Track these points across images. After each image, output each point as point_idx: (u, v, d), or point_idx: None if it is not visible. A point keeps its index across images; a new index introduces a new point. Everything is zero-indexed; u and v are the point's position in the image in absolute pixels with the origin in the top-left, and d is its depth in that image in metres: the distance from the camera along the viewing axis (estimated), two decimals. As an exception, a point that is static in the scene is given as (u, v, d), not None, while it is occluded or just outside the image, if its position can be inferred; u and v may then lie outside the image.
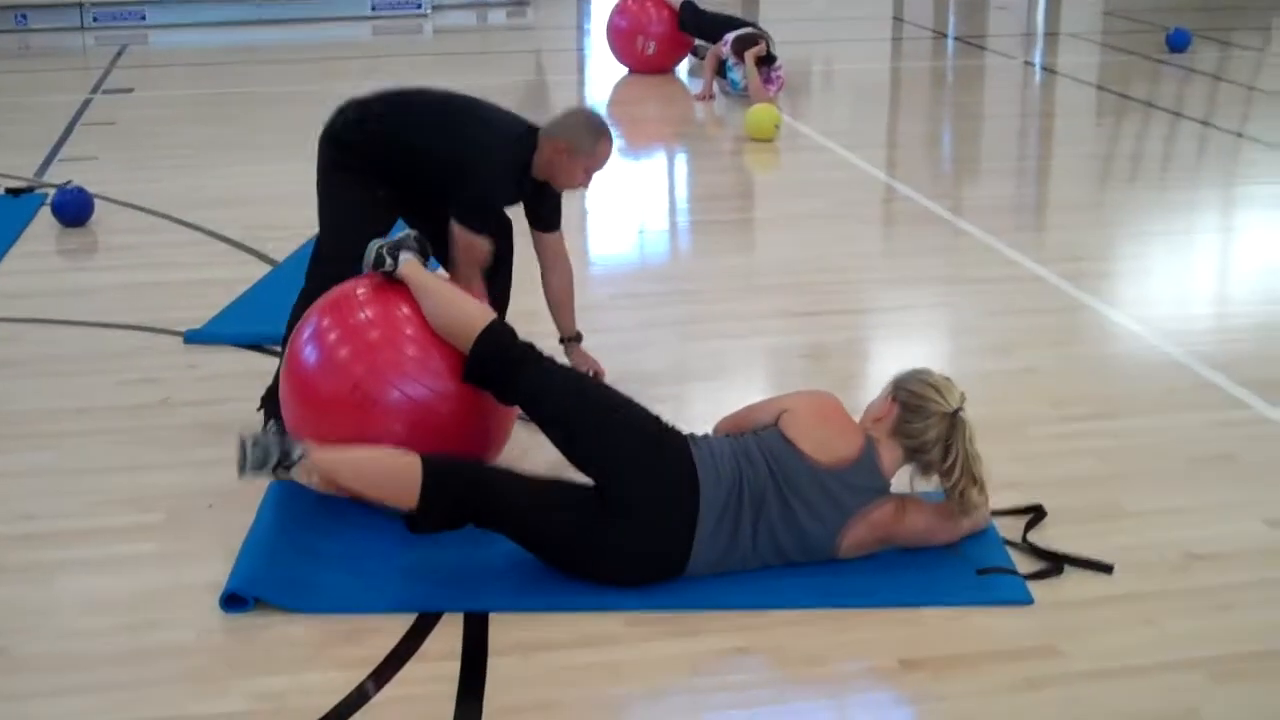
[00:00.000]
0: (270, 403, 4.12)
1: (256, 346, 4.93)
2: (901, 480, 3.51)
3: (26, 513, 3.87)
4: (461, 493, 3.38)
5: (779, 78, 9.17)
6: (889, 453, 3.47)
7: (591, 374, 4.35)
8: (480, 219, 4.24)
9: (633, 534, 3.34)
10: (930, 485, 3.52)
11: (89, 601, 3.44)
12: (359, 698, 3.03)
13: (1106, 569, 3.50)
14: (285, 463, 3.46)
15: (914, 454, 3.47)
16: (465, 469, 3.43)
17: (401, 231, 3.86)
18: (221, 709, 3.01)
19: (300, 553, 3.52)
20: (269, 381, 4.17)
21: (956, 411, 3.43)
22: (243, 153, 8.03)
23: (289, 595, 3.35)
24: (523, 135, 4.28)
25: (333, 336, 3.71)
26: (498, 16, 13.66)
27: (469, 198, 4.23)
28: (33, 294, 5.59)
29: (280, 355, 4.03)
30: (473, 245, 4.22)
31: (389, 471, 3.41)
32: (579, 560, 3.40)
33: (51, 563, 3.62)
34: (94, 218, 6.53)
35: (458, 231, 4.22)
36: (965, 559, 3.51)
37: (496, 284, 4.48)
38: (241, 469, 3.46)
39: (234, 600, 3.34)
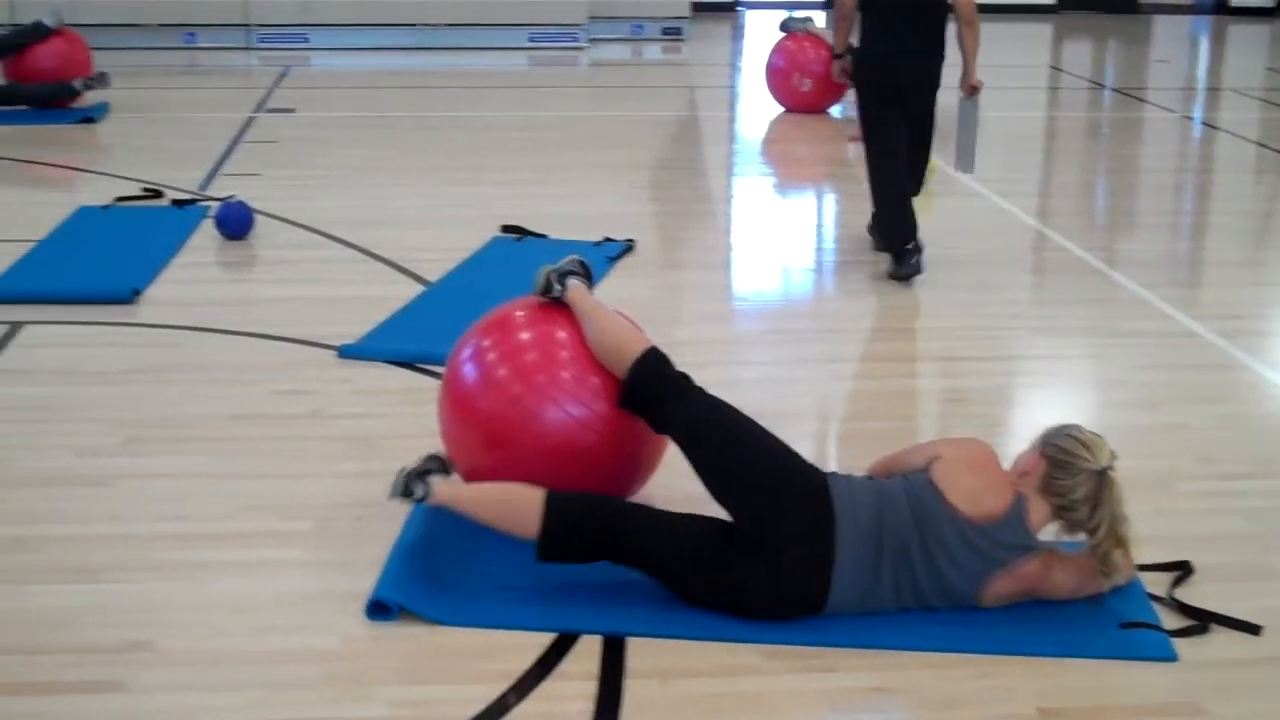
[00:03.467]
0: None
1: (408, 364, 5.01)
2: (1048, 532, 3.46)
3: (179, 513, 3.97)
4: (585, 528, 3.42)
5: (932, 122, 9.12)
6: (1037, 509, 3.41)
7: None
8: None
9: (767, 570, 3.34)
10: (1077, 539, 3.47)
11: (236, 602, 3.51)
12: (498, 710, 3.06)
13: (1254, 630, 3.42)
14: (414, 497, 3.59)
15: (1061, 511, 3.42)
16: (589, 504, 3.47)
17: (567, 256, 3.91)
18: (361, 714, 3.06)
19: (446, 566, 3.58)
20: (421, 398, 4.22)
21: (1105, 470, 3.37)
22: (398, 175, 8.18)
23: (433, 607, 3.40)
24: None
25: (492, 356, 3.77)
26: (653, 51, 13.77)
27: None
28: (193, 303, 5.74)
29: None
30: None
31: (511, 504, 3.48)
32: (715, 596, 3.40)
33: (201, 563, 3.71)
34: (254, 232, 6.69)
35: None
36: (1109, 612, 3.45)
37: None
38: (391, 493, 3.62)
39: (379, 608, 3.40)
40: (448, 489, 3.60)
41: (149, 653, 3.29)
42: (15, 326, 5.40)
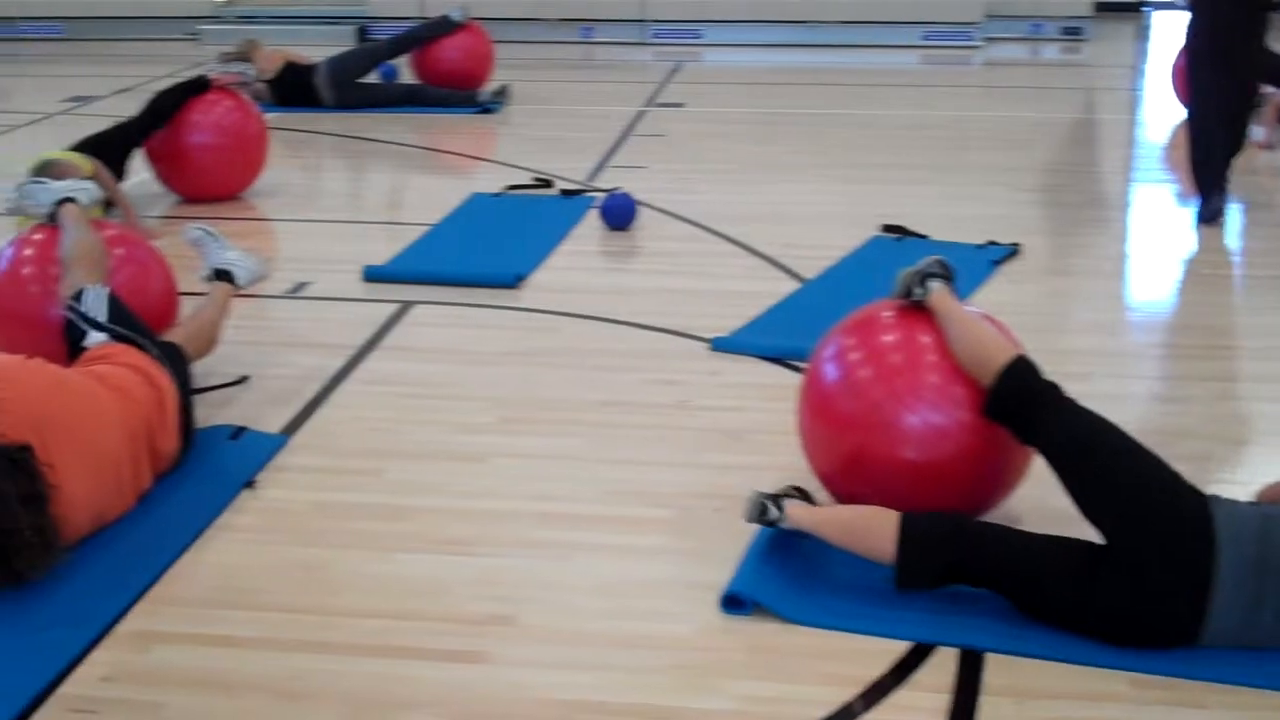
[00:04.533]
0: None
1: (778, 359, 5.00)
2: None
3: (546, 493, 4.06)
4: (941, 553, 3.32)
5: (1351, 130, 8.53)
6: None
7: None
8: None
9: (1137, 595, 3.16)
10: None
11: (595, 584, 3.57)
12: (846, 715, 3.01)
13: None
14: (766, 519, 3.56)
15: None
16: (946, 527, 3.35)
17: (927, 258, 3.81)
18: (708, 706, 3.06)
19: (804, 566, 3.54)
20: (790, 394, 4.18)
21: None
22: (782, 171, 8.17)
23: (788, 604, 3.37)
24: None
25: (855, 357, 3.71)
26: (1050, 51, 13.37)
27: None
28: (573, 290, 5.87)
29: None
30: None
31: (865, 530, 3.41)
32: (1078, 621, 3.24)
33: (564, 542, 3.78)
34: (637, 224, 6.80)
35: None
36: None
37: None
38: (746, 515, 3.60)
39: (733, 602, 3.39)
40: (801, 512, 3.55)
41: (509, 626, 3.37)
42: (406, 305, 5.64)
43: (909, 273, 3.77)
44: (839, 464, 3.69)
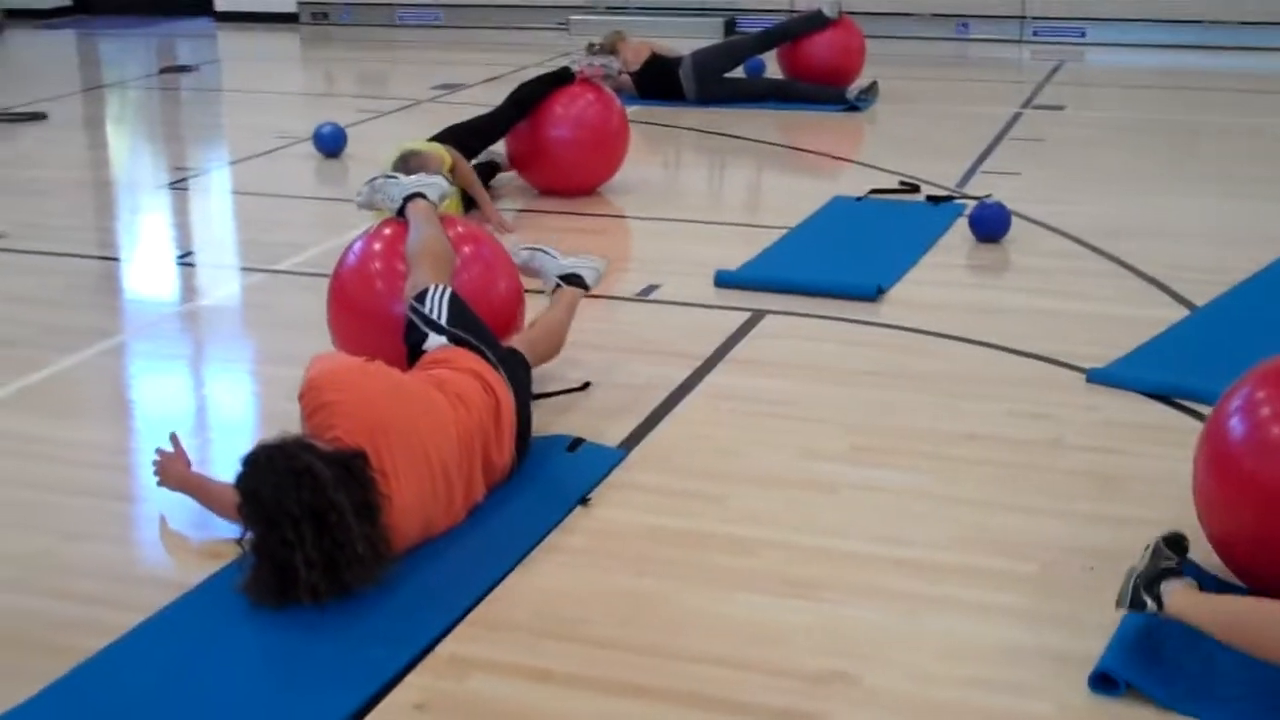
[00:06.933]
0: None
1: (1164, 397, 4.52)
2: None
3: (898, 535, 3.72)
4: None
5: None
6: None
7: None
8: None
9: None
10: None
11: (947, 645, 3.22)
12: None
13: None
14: (1143, 606, 3.09)
15: None
16: None
17: None
18: (1074, 807, 2.69)
19: (1189, 643, 3.06)
20: (1176, 439, 3.74)
21: None
22: (1168, 183, 7.59)
23: (1167, 689, 2.95)
24: None
25: (1266, 411, 3.23)
26: None
27: None
28: (936, 306, 5.50)
29: None
30: None
31: (1263, 629, 2.91)
32: None
33: (916, 594, 3.44)
34: (1009, 236, 6.36)
35: None
36: None
37: None
38: (1119, 601, 3.14)
39: (1104, 680, 2.99)
40: (1184, 600, 3.05)
41: (853, 687, 3.06)
42: (758, 315, 5.38)
43: None
44: (1239, 531, 3.22)
